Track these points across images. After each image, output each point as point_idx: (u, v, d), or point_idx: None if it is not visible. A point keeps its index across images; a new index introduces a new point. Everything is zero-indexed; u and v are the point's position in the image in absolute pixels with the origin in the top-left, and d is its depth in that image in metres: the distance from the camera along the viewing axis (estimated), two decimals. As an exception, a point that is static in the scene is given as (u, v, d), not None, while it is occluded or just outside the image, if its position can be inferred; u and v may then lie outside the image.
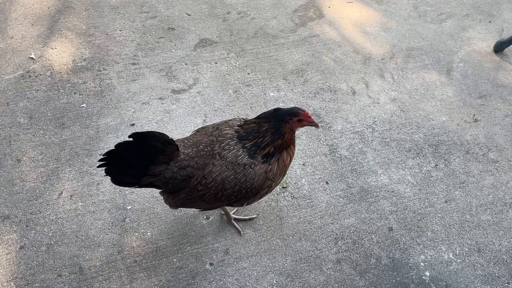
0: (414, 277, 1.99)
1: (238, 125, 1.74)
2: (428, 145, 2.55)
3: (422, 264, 2.02)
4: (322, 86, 2.89)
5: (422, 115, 2.72)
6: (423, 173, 2.40)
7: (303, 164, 2.41)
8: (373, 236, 2.12)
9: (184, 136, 2.15)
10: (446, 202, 2.27)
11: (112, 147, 1.55)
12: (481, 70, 3.05)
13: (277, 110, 1.68)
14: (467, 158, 2.49)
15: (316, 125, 1.72)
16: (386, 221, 2.18)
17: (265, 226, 2.13)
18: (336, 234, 2.12)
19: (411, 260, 2.04)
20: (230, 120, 1.82)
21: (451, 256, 2.05)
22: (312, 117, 1.71)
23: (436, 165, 2.44)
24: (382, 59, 3.11)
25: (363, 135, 2.59)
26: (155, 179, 1.65)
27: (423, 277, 1.99)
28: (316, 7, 3.55)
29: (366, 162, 2.44)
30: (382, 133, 2.60)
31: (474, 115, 2.74)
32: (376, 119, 2.68)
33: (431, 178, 2.38)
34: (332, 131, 2.60)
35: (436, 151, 2.51)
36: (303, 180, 2.34)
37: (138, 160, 1.60)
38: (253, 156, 1.67)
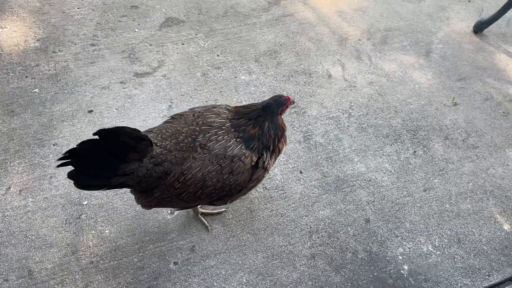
0: (392, 271, 1.88)
1: (228, 117, 1.59)
2: (407, 130, 2.43)
3: (400, 257, 1.92)
4: (296, 68, 2.73)
5: (400, 99, 2.60)
6: (401, 161, 2.28)
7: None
8: (349, 229, 2.00)
9: (147, 124, 1.95)
10: (425, 191, 2.17)
11: (74, 146, 1.33)
12: (461, 52, 2.94)
13: (267, 107, 1.60)
14: (446, 144, 2.38)
15: (292, 102, 1.71)
16: (363, 212, 2.06)
17: (234, 220, 1.98)
18: (310, 227, 1.99)
19: (389, 253, 1.93)
20: (215, 106, 1.65)
21: (430, 248, 1.95)
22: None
23: (414, 151, 2.33)
24: (359, 40, 2.96)
25: (339, 120, 2.45)
26: (127, 179, 1.46)
27: (401, 271, 1.88)
28: (290, -16, 3.35)
29: (342, 150, 2.31)
30: (358, 119, 2.47)
31: (453, 98, 2.63)
32: (352, 104, 2.55)
33: (409, 166, 2.27)
34: (307, 116, 2.45)
35: (414, 136, 2.40)
36: (276, 169, 2.19)
37: (106, 159, 1.40)
38: (252, 149, 1.56)
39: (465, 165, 2.29)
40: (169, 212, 1.97)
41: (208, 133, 1.52)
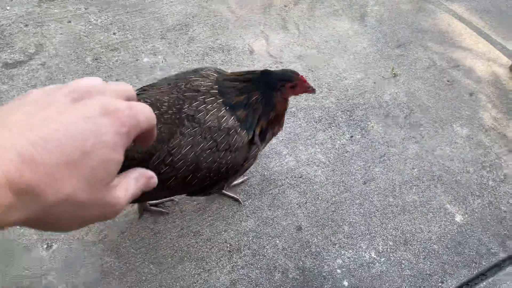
0: (330, 290, 1.56)
1: (216, 77, 1.26)
2: (342, 111, 2.08)
3: (339, 271, 1.60)
4: (212, 44, 2.28)
5: (334, 74, 2.24)
6: (336, 149, 1.94)
7: (187, 152, 1.84)
8: (277, 241, 1.64)
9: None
10: (364, 183, 1.84)
11: None
12: (399, 13, 2.60)
13: (265, 74, 1.25)
14: (387, 123, 2.06)
15: (313, 90, 1.32)
16: (293, 218, 1.71)
17: (133, 248, 1.57)
18: (230, 245, 1.62)
19: (326, 267, 1.60)
20: (202, 68, 1.32)
21: (373, 255, 1.64)
22: (308, 81, 1.29)
23: (351, 136, 1.99)
24: (285, 6, 2.55)
25: (264, 105, 2.05)
26: None
27: (341, 288, 1.57)
28: None
29: (267, 141, 1.92)
30: (287, 101, 2.08)
31: (392, 69, 2.30)
32: (279, 83, 2.15)
33: (346, 154, 1.93)
34: (225, 103, 2.03)
35: (351, 118, 2.06)
36: (187, 174, 1.77)
37: None
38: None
39: (409, 147, 1.98)
40: (44, 246, 1.52)
41: (195, 101, 1.20)
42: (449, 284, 1.58)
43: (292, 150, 1.91)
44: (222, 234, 1.64)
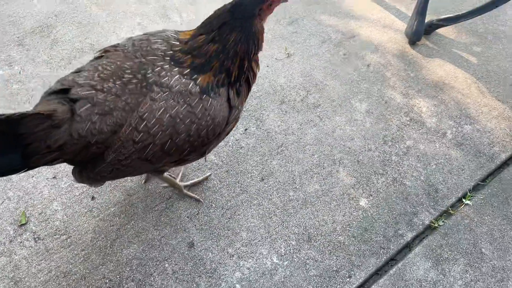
0: (229, 310, 1.39)
1: (176, 38, 1.18)
2: (234, 102, 1.89)
3: (238, 286, 1.43)
4: (80, 45, 2.00)
5: (223, 62, 2.03)
6: (230, 146, 1.76)
7: (54, 177, 1.58)
8: (166, 265, 1.44)
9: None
10: (262, 180, 1.68)
11: None
12: (289, -13, 2.43)
13: (236, 6, 1.12)
14: (283, 109, 1.90)
15: None
16: (184, 234, 1.51)
17: (-13, 307, 1.30)
18: (110, 280, 1.39)
19: (223, 285, 1.42)
20: (164, 30, 1.23)
21: (275, 261, 1.49)
22: None
23: (245, 129, 1.82)
24: (164, -9, 2.29)
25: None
26: (59, 153, 1.05)
27: (242, 306, 1.40)
28: None
29: (150, 149, 1.70)
30: (171, 99, 1.86)
31: (286, 48, 2.14)
32: (161, 80, 1.92)
33: (241, 151, 1.75)
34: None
35: (244, 109, 1.88)
36: (55, 203, 1.52)
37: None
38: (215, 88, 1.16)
39: (307, 132, 1.84)
40: None
41: (157, 66, 1.13)
42: (357, 277, 1.47)
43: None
44: (99, 269, 1.41)
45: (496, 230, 1.61)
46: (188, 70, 1.14)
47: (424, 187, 1.70)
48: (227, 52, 1.14)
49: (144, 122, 1.09)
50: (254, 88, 1.95)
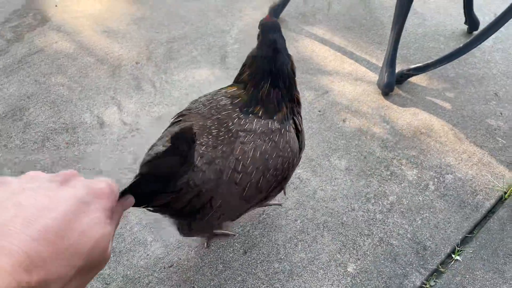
0: None
1: (230, 94, 1.29)
2: (212, 171, 1.86)
3: None
4: (53, 126, 1.98)
5: (199, 130, 2.02)
6: (209, 219, 1.70)
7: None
8: None
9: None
10: (245, 253, 1.62)
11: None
12: (260, 48, 2.47)
13: (274, 43, 1.22)
14: (262, 175, 1.87)
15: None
16: (166, 322, 1.44)
17: None
18: None
19: None
20: (216, 91, 1.35)
21: None
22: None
23: (225, 199, 1.77)
24: (136, 63, 2.32)
25: (121, 186, 1.78)
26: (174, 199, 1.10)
27: None
28: (37, 9, 2.56)
29: (128, 230, 1.65)
30: (147, 174, 1.83)
31: (261, 110, 2.14)
32: (138, 155, 1.90)
33: (221, 223, 1.70)
34: (73, 195, 1.73)
35: (222, 177, 1.84)
36: None
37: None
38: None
39: (288, 196, 1.80)
40: None
41: (234, 118, 1.23)
42: None
43: (158, 234, 1.65)
44: None
45: (488, 285, 1.55)
46: (262, 114, 1.25)
47: (412, 245, 1.66)
48: (289, 92, 1.28)
49: (241, 163, 1.17)
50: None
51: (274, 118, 1.26)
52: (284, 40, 1.27)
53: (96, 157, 1.88)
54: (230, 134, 1.20)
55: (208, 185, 1.14)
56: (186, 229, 1.27)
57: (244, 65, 1.30)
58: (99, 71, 2.25)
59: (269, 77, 1.23)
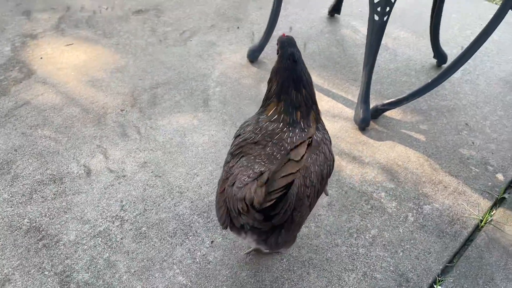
0: None
1: (270, 117, 1.48)
2: (198, 215, 1.92)
3: None
4: (41, 177, 2.02)
5: (184, 173, 2.08)
6: (197, 263, 1.75)
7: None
8: None
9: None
10: (233, 296, 1.65)
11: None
12: (241, 90, 2.57)
13: (292, 56, 1.46)
14: (247, 215, 1.92)
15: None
16: None
17: None
18: None
19: None
20: (257, 120, 1.51)
21: None
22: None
23: (212, 241, 1.82)
24: (121, 110, 2.39)
25: (109, 234, 1.82)
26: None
27: None
28: (22, 63, 2.64)
29: (117, 279, 1.68)
30: (135, 222, 1.87)
31: (244, 150, 2.21)
32: (124, 202, 1.94)
33: (209, 266, 1.74)
34: (62, 247, 1.77)
35: (208, 219, 1.90)
36: None
37: None
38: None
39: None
40: None
41: (287, 139, 1.42)
42: None
43: (147, 281, 1.68)
44: None
45: (471, 314, 1.61)
46: (300, 119, 1.46)
47: (395, 278, 1.71)
48: (310, 95, 1.50)
49: (308, 177, 1.36)
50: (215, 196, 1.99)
51: (310, 124, 1.48)
52: (300, 53, 1.48)
53: (82, 207, 1.92)
54: (287, 153, 1.32)
55: (296, 203, 1.31)
56: (272, 243, 1.37)
57: (270, 80, 1.51)
58: (84, 120, 2.31)
59: (293, 83, 1.45)
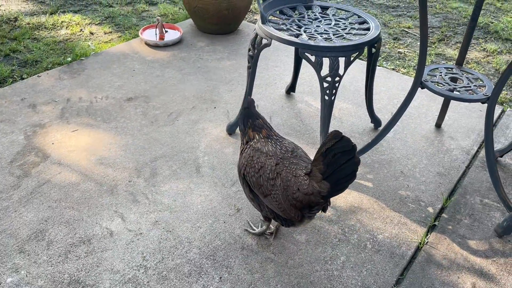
0: None
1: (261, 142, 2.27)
2: (206, 258, 2.41)
3: None
4: (71, 241, 2.45)
5: (189, 227, 2.59)
6: (212, 295, 2.22)
7: None
8: None
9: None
10: (244, 316, 2.13)
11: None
12: (225, 157, 3.17)
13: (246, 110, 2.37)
14: (244, 254, 2.45)
15: None
16: None
17: None
18: None
19: None
20: (255, 147, 2.27)
21: None
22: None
23: (220, 277, 2.31)
24: (129, 181, 2.89)
25: (137, 280, 2.26)
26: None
27: None
28: (37, 148, 3.11)
29: (150, 313, 2.11)
30: (156, 268, 2.33)
31: (235, 205, 2.77)
32: (145, 254, 2.41)
33: (221, 296, 2.22)
34: (100, 293, 2.19)
35: (215, 261, 2.39)
36: None
37: None
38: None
39: (268, 268, 2.38)
40: None
41: (299, 152, 2.27)
42: None
43: (174, 312, 2.12)
44: None
45: (420, 309, 2.18)
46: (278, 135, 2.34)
47: (363, 290, 2.28)
48: (256, 124, 2.38)
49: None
50: (218, 242, 2.50)
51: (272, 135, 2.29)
52: (253, 103, 2.35)
53: (111, 261, 2.36)
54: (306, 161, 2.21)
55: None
56: (297, 222, 2.16)
57: (240, 119, 2.39)
58: (100, 192, 2.79)
59: (253, 116, 2.32)
